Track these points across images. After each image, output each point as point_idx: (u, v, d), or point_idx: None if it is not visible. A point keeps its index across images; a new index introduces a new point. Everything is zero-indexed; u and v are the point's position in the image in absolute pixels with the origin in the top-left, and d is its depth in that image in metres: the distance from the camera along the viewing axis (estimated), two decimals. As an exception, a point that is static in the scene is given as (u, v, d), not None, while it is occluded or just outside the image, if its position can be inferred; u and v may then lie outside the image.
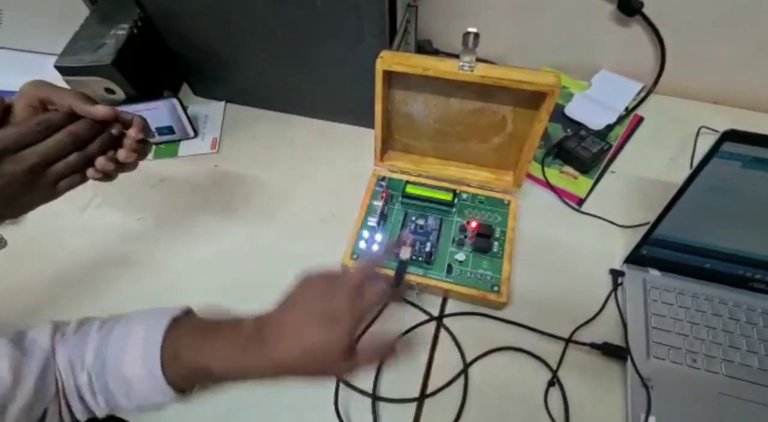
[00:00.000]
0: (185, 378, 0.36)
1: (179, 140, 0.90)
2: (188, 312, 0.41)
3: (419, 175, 0.82)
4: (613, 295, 0.70)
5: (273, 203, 0.84)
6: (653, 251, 0.66)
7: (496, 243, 0.73)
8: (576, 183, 0.85)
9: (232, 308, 0.41)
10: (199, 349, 0.35)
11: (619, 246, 0.76)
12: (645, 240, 0.66)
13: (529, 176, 0.84)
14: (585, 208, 0.83)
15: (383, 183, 0.81)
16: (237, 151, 0.93)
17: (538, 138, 0.69)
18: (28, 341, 0.36)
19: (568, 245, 0.78)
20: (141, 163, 0.53)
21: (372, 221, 0.75)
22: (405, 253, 0.69)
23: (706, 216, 0.57)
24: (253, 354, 0.35)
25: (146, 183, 0.86)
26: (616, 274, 0.71)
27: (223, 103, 0.94)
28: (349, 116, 0.92)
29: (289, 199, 0.87)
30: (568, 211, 0.83)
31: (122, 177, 0.51)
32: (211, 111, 0.92)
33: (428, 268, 0.71)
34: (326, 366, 0.35)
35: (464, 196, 0.79)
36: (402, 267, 0.67)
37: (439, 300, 0.73)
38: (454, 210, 0.76)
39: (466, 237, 0.74)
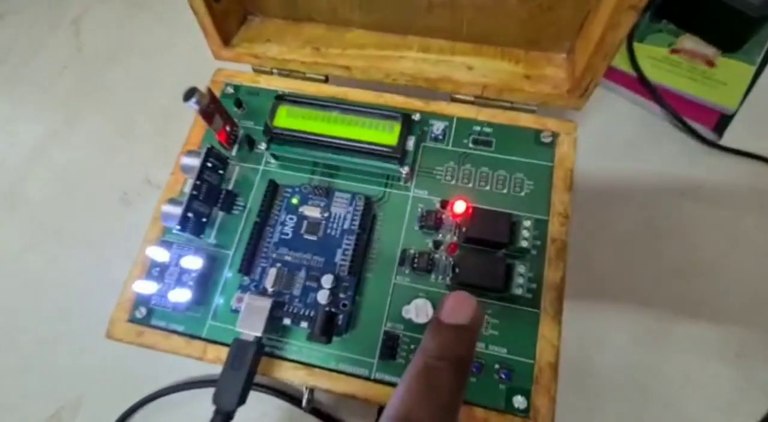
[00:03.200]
0: None
1: None
2: None
3: (314, 75, 0.32)
4: None
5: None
6: None
7: (521, 264, 0.27)
8: (712, 77, 0.35)
9: None
10: None
11: None
12: None
13: (606, 71, 0.34)
14: (730, 137, 0.34)
15: (231, 95, 0.32)
16: None
17: None
18: None
19: (694, 240, 0.32)
20: None
21: (176, 209, 0.27)
22: (255, 315, 0.23)
23: None
24: None
25: None
26: None
27: None
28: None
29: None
30: (693, 149, 0.35)
31: None
32: None
33: (329, 350, 0.26)
34: None
35: (436, 126, 0.30)
36: (245, 354, 0.22)
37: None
38: (404, 168, 0.28)
39: (439, 246, 0.27)
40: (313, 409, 0.30)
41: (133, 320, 0.28)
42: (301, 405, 0.26)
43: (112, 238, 0.37)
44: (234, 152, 0.31)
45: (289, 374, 0.26)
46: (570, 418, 0.29)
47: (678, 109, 0.35)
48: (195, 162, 0.26)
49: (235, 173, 0.30)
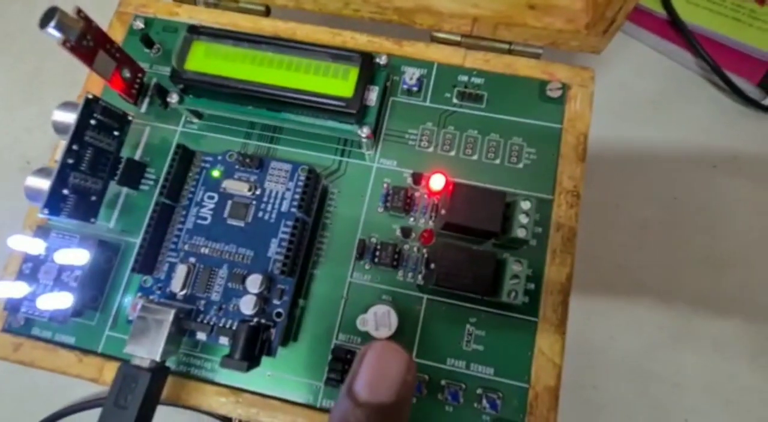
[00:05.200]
0: None
1: None
2: None
3: (249, 5, 0.24)
4: None
5: None
6: None
7: (516, 260, 0.20)
8: (763, 17, 0.28)
9: None
10: None
11: None
12: None
13: (635, 13, 0.26)
14: (779, 98, 0.28)
15: (141, 31, 0.24)
16: None
17: None
18: None
19: (725, 225, 0.25)
20: None
21: (44, 183, 0.19)
22: (151, 332, 0.16)
23: None
24: None
25: None
26: None
27: None
28: None
29: None
30: (732, 111, 0.28)
31: None
32: None
33: (262, 370, 0.19)
34: None
35: (409, 74, 0.23)
36: (135, 386, 0.16)
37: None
38: (363, 129, 0.21)
39: (409, 235, 0.21)
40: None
41: (9, 330, 0.21)
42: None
43: (8, 218, 0.30)
44: (144, 109, 0.23)
45: (212, 401, 0.20)
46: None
47: (717, 59, 0.28)
48: (70, 118, 0.19)
49: (144, 136, 0.23)
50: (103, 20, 0.25)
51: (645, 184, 0.28)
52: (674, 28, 0.29)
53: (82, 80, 0.25)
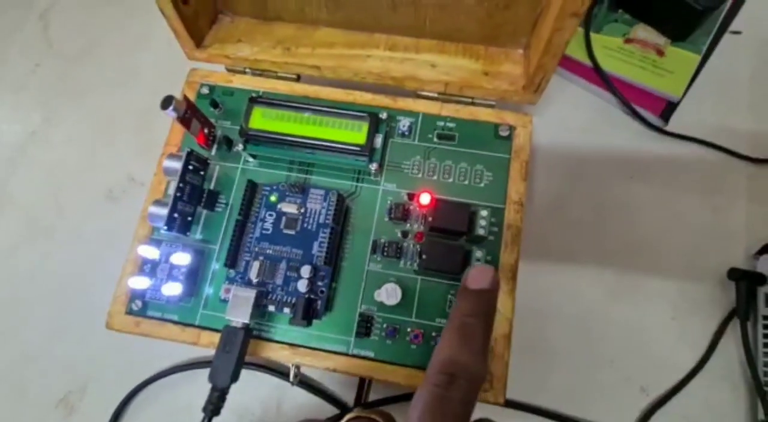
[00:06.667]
0: None
1: None
2: None
3: (285, 74, 0.34)
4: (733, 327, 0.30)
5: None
6: None
7: (478, 249, 0.30)
8: (661, 66, 0.38)
9: None
10: None
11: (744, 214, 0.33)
12: None
13: (564, 61, 0.36)
14: (676, 123, 0.37)
15: (207, 96, 0.33)
16: None
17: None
18: None
19: (639, 219, 0.35)
20: None
21: (162, 210, 0.29)
22: (241, 305, 0.26)
23: None
24: None
25: None
26: (741, 277, 0.33)
27: None
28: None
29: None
30: (642, 135, 0.38)
31: None
32: None
33: (310, 331, 0.29)
34: None
35: (402, 122, 0.32)
36: (235, 339, 0.25)
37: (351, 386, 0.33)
38: (372, 164, 0.30)
39: (407, 235, 0.30)
40: (301, 382, 0.34)
41: (130, 312, 0.30)
42: (289, 379, 0.30)
43: (102, 234, 0.39)
44: (213, 152, 0.33)
45: (276, 354, 0.29)
46: (526, 378, 0.34)
47: (628, 97, 0.37)
48: (176, 165, 0.28)
49: (216, 172, 0.32)
50: (177, 82, 0.34)
51: (579, 190, 0.37)
52: (597, 74, 0.38)
53: (146, 127, 0.33)
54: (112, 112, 0.43)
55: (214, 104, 0.33)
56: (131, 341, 0.30)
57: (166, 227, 0.27)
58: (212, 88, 0.34)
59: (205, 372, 0.26)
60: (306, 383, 0.34)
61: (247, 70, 0.34)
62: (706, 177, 0.37)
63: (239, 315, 0.26)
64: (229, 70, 0.35)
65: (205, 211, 0.31)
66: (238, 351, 0.25)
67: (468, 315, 0.22)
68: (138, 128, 0.42)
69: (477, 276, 0.23)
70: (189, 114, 0.28)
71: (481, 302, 0.23)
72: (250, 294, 0.26)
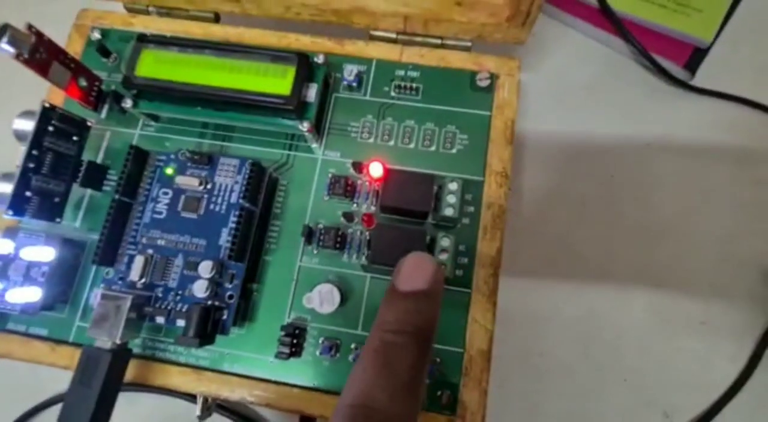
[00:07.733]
0: None
1: None
2: None
3: (199, 13, 0.26)
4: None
5: None
6: None
7: (445, 236, 0.22)
8: (686, 3, 0.30)
9: None
10: None
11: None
12: None
13: (564, 0, 0.28)
14: (705, 76, 0.29)
15: (99, 42, 0.25)
16: None
17: None
18: None
19: (659, 198, 0.27)
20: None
21: (6, 187, 0.21)
22: (109, 317, 0.18)
23: None
24: None
25: None
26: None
27: None
28: None
29: None
30: (662, 91, 0.30)
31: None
32: None
33: (222, 349, 0.21)
34: None
35: (349, 70, 0.24)
36: (96, 367, 0.17)
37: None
38: (304, 123, 0.22)
39: (352, 219, 0.23)
40: (221, 407, 0.26)
41: (-16, 325, 0.23)
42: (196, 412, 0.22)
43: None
44: (104, 114, 0.25)
45: (175, 380, 0.21)
46: (517, 403, 0.26)
47: (645, 44, 0.30)
48: (29, 125, 0.20)
49: (105, 140, 0.25)
50: (63, 34, 0.26)
51: (583, 163, 0.30)
52: (606, 17, 0.30)
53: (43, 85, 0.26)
54: (10, 73, 0.35)
55: (105, 52, 0.25)
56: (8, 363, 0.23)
57: (11, 211, 0.20)
58: (106, 33, 0.26)
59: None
60: (229, 409, 0.27)
61: (151, 8, 0.26)
62: (743, 143, 0.30)
63: (103, 332, 0.18)
64: (128, 10, 0.27)
65: (89, 192, 0.24)
66: (101, 384, 0.18)
67: (393, 332, 0.15)
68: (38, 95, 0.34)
69: (409, 270, 0.16)
70: (43, 54, 0.20)
71: (414, 311, 0.16)
72: (122, 302, 0.19)
